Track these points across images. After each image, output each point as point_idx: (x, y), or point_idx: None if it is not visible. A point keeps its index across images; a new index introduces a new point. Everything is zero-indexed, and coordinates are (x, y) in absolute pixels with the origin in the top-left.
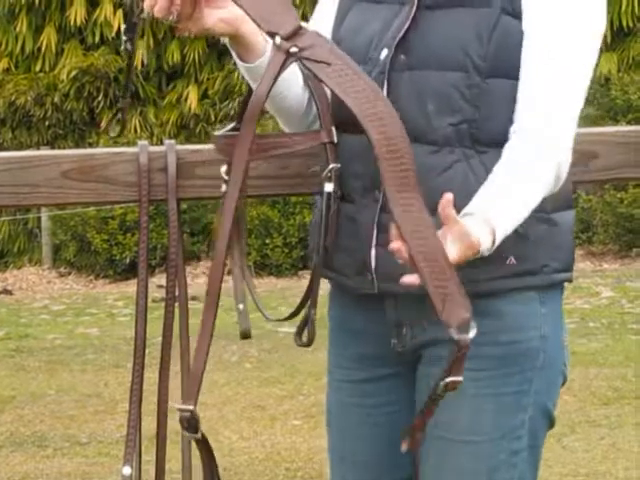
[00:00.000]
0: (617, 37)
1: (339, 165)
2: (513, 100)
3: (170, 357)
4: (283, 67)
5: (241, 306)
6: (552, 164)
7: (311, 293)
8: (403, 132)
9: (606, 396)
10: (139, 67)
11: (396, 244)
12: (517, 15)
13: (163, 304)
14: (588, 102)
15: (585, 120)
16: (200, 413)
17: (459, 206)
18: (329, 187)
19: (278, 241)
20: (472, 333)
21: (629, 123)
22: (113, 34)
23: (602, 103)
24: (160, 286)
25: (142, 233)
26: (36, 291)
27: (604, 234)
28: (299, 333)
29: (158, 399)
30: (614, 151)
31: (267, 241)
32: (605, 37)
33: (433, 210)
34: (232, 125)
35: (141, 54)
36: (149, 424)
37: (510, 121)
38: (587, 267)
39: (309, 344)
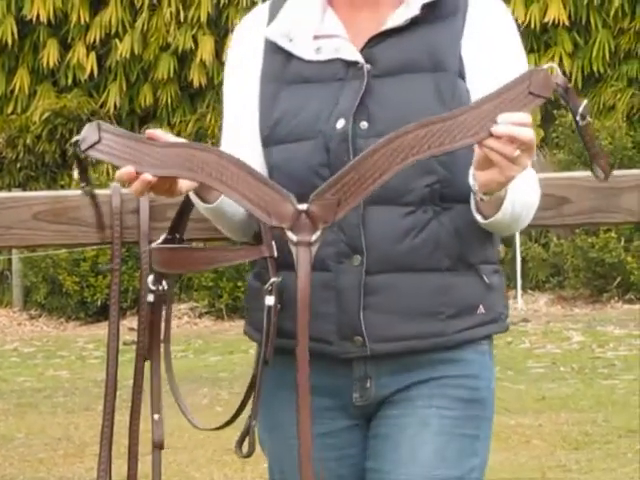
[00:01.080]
0: (588, 83)
1: (280, 279)
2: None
3: (141, 400)
4: (311, 259)
5: (156, 416)
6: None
7: (247, 401)
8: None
9: (577, 441)
10: (111, 110)
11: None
12: (463, 77)
13: (134, 347)
14: (559, 147)
15: (557, 165)
16: (170, 457)
17: (438, 261)
18: (270, 300)
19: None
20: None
21: None
22: (86, 76)
23: (573, 148)
24: (131, 329)
25: (114, 275)
26: (6, 333)
27: (575, 279)
28: (240, 443)
29: (129, 442)
30: (585, 196)
31: (239, 284)
32: (576, 82)
33: (416, 269)
34: (164, 237)
35: (113, 98)
36: (119, 467)
37: (467, 178)
38: (558, 311)
39: (249, 455)
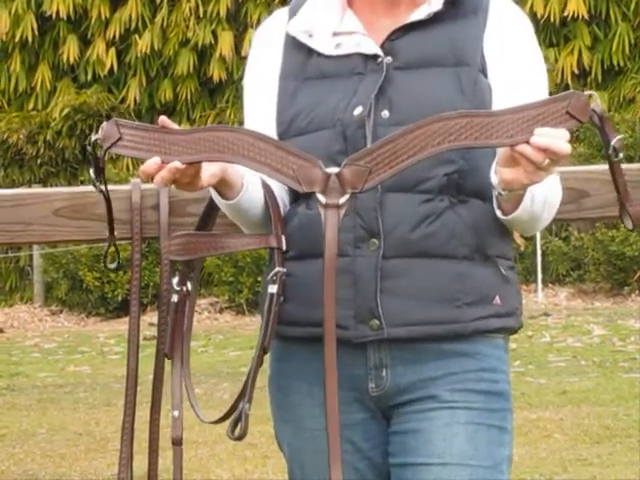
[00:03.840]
0: (608, 76)
1: (284, 270)
2: (493, 155)
3: (161, 395)
4: (339, 221)
5: (176, 413)
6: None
7: (246, 390)
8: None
9: (598, 434)
10: (131, 105)
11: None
12: (485, 73)
13: (155, 342)
14: (579, 140)
15: (576, 158)
16: (191, 451)
17: (454, 249)
18: (273, 289)
19: None
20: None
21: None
22: (105, 72)
23: (593, 142)
24: (152, 324)
25: (134, 271)
26: (27, 329)
27: (595, 272)
28: (232, 427)
29: (149, 437)
30: (605, 189)
31: (259, 279)
32: (596, 76)
33: (432, 254)
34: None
35: (133, 94)
36: (140, 462)
37: (488, 175)
38: (579, 305)
39: (241, 438)
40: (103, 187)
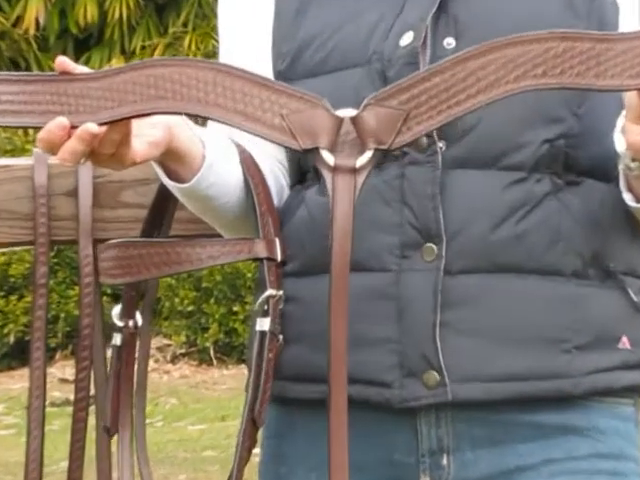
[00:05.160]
0: None
1: (281, 293)
2: (618, 108)
3: None
4: (355, 194)
5: None
6: None
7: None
8: None
9: None
10: (31, 30)
11: None
12: None
13: (68, 409)
14: None
15: None
16: None
17: (559, 259)
18: (263, 323)
19: (251, 307)
20: None
21: None
22: None
23: None
24: (64, 380)
25: (38, 294)
26: None
27: None
28: None
29: None
30: None
31: (235, 308)
32: None
33: (524, 268)
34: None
35: (34, 12)
36: None
37: (611, 139)
38: None
39: None
40: None
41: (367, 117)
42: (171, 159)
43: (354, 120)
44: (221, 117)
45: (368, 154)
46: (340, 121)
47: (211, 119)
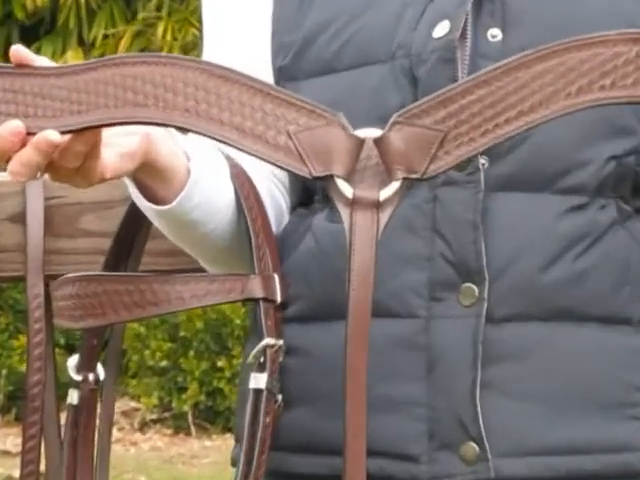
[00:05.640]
0: None
1: (281, 342)
2: None
3: None
4: (379, 234)
5: None
6: None
7: None
8: None
9: None
10: None
11: None
12: None
13: None
14: None
15: None
16: None
17: (627, 304)
18: (259, 380)
19: (239, 362)
20: None
21: None
22: None
23: None
24: (6, 453)
25: None
26: None
27: None
28: None
29: None
30: None
31: (219, 363)
32: None
33: (584, 315)
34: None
35: None
36: None
37: None
38: None
39: None
40: None
41: (394, 139)
42: (148, 174)
43: (378, 142)
44: (214, 132)
45: (395, 185)
46: (361, 143)
47: (201, 134)
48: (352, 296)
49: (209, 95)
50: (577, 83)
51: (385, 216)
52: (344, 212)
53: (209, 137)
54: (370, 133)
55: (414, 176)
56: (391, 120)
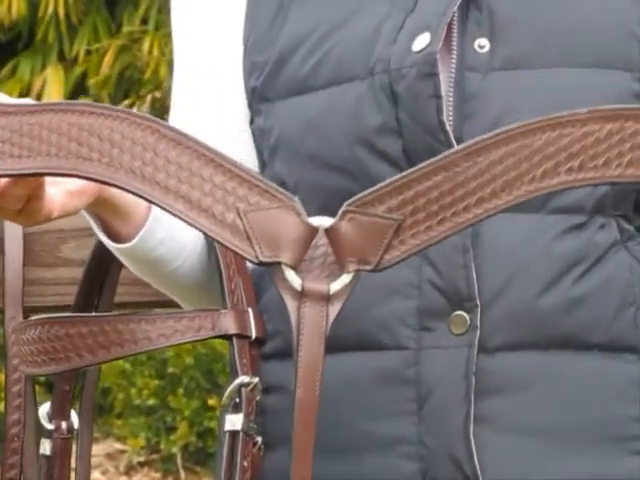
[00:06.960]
0: None
1: (256, 380)
2: None
3: None
4: (327, 330)
5: None
6: None
7: None
8: None
9: None
10: None
11: None
12: None
13: None
14: None
15: None
16: None
17: (629, 331)
18: (235, 422)
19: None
20: None
21: None
22: None
23: None
24: None
25: None
26: None
27: None
28: None
29: None
30: None
31: (211, 401)
32: None
33: (583, 344)
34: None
35: None
36: None
37: None
38: None
39: None
40: None
41: (346, 228)
42: (106, 211)
43: (329, 232)
44: (157, 199)
45: (346, 278)
46: (314, 231)
47: (144, 198)
48: (297, 398)
49: (157, 158)
50: (542, 166)
51: (335, 310)
52: (291, 305)
53: (151, 203)
54: (324, 222)
55: (367, 268)
56: (342, 209)
